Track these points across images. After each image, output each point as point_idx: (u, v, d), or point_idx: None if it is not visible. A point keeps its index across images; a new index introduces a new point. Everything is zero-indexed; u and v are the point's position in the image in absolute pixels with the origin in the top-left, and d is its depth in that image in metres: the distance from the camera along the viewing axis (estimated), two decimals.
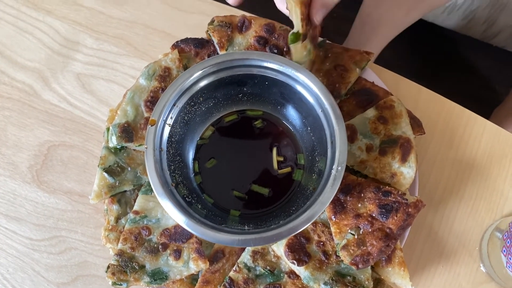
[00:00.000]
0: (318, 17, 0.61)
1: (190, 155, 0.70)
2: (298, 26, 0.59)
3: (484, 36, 1.48)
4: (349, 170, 0.68)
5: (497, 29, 1.41)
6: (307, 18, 0.60)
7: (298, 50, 0.63)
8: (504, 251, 0.64)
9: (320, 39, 0.76)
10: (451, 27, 1.51)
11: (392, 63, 1.33)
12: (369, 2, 1.26)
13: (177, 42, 0.73)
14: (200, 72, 0.63)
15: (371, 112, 0.70)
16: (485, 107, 1.44)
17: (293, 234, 0.59)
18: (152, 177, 0.59)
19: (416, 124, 0.70)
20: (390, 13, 1.22)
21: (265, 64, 0.64)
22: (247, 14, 0.75)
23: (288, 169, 0.70)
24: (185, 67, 0.73)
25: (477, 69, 1.59)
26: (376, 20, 1.25)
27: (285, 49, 0.73)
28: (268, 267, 0.65)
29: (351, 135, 0.69)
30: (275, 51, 0.73)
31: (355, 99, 0.73)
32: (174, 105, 0.63)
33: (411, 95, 0.77)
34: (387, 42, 1.31)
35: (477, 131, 0.75)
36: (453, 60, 1.61)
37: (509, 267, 0.63)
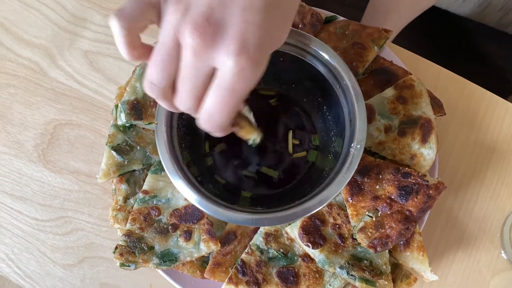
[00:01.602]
0: None
1: (202, 134, 0.67)
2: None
3: (499, 24, 1.44)
4: (366, 151, 0.66)
5: None
6: None
7: None
8: None
9: (330, 14, 0.74)
10: (466, 15, 1.47)
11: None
12: None
13: None
14: None
15: (389, 92, 0.67)
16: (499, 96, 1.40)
17: (309, 215, 0.57)
18: (162, 154, 0.57)
19: (437, 105, 0.68)
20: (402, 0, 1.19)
21: None
22: None
23: (303, 153, 0.67)
24: None
25: (492, 58, 1.56)
26: (388, 7, 1.21)
27: (300, 25, 0.71)
28: (281, 250, 0.62)
29: (369, 116, 0.66)
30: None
31: (373, 78, 0.70)
32: None
33: (431, 75, 0.74)
34: (400, 29, 1.28)
35: (498, 114, 0.73)
36: (467, 49, 1.57)
37: None
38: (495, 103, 0.73)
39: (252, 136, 0.53)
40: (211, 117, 0.43)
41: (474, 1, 1.37)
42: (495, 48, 1.55)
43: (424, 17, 1.26)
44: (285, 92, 0.70)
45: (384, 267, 0.60)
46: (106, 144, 0.65)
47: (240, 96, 0.41)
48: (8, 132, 0.75)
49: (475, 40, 1.57)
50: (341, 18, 0.74)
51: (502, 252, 0.67)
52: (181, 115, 0.62)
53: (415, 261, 0.61)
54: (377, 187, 0.61)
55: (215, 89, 0.41)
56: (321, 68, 0.61)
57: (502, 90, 1.45)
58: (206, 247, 0.62)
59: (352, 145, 0.57)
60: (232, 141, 0.68)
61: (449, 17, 1.52)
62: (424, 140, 0.64)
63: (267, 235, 0.63)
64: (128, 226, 0.63)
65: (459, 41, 1.57)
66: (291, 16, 0.45)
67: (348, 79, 0.58)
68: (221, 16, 0.38)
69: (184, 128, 0.62)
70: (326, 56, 0.59)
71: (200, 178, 0.60)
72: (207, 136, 0.68)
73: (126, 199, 0.66)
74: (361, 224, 0.60)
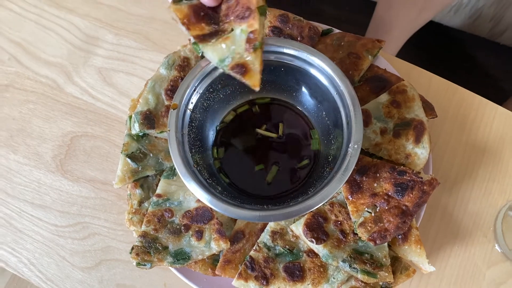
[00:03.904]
0: None
1: (210, 140, 0.72)
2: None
3: (491, 34, 1.50)
4: (364, 152, 0.70)
5: (503, 27, 1.43)
6: None
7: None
8: None
9: (326, 27, 0.79)
10: (458, 27, 1.53)
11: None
12: (381, 5, 1.29)
13: None
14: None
15: (384, 97, 0.72)
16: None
17: (312, 210, 0.61)
18: (175, 158, 0.61)
19: (428, 108, 0.72)
20: (402, 14, 1.25)
21: (282, 50, 0.66)
22: None
23: (306, 161, 0.72)
24: (203, 57, 0.75)
25: (484, 67, 1.61)
26: (389, 23, 1.27)
27: (298, 38, 0.76)
28: (287, 246, 0.67)
29: (366, 120, 0.71)
30: (289, 38, 0.75)
31: (368, 85, 0.75)
32: (194, 90, 0.66)
33: (422, 82, 0.79)
34: (402, 43, 1.34)
35: (488, 116, 0.77)
36: (460, 59, 1.62)
37: None
38: (484, 105, 0.78)
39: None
40: None
41: (465, 13, 1.43)
42: (487, 57, 1.60)
43: (419, 30, 1.32)
44: (286, 99, 0.75)
45: (384, 260, 0.64)
46: (121, 152, 0.70)
47: None
48: (28, 144, 0.80)
49: (468, 51, 1.62)
50: (337, 31, 0.79)
51: (496, 245, 0.71)
52: (191, 122, 0.67)
53: (413, 254, 0.65)
54: (375, 185, 0.66)
55: None
56: (319, 77, 0.66)
57: (496, 98, 1.50)
58: (217, 245, 0.66)
59: (350, 145, 0.61)
60: (237, 146, 0.74)
61: (442, 29, 1.58)
62: (417, 140, 0.68)
63: (274, 233, 0.67)
64: (143, 227, 0.67)
65: (453, 52, 1.63)
66: None
67: (344, 86, 0.63)
68: None
69: (193, 135, 0.67)
70: (323, 65, 0.64)
71: (210, 180, 0.64)
72: (215, 141, 0.73)
73: (140, 203, 0.70)
74: (361, 220, 0.64)
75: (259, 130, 0.73)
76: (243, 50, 0.53)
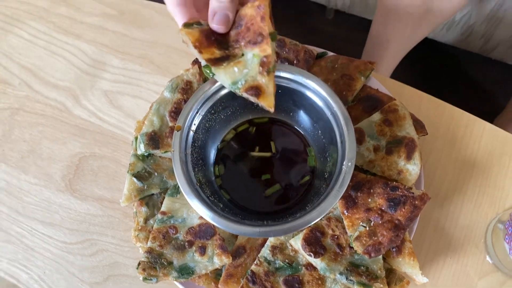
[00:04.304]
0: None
1: (211, 159, 0.76)
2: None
3: (483, 50, 1.55)
4: (359, 169, 0.74)
5: (495, 43, 1.47)
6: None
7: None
8: (507, 238, 0.68)
9: (320, 50, 0.83)
10: (451, 43, 1.58)
11: (392, 77, 1.40)
12: (377, 23, 1.34)
13: (197, 58, 0.80)
14: (219, 83, 0.70)
15: (376, 116, 0.76)
16: (486, 118, 1.51)
17: (309, 225, 0.65)
18: (179, 177, 0.65)
19: (419, 126, 0.76)
20: (397, 32, 1.29)
21: (279, 74, 0.70)
22: None
23: (307, 178, 0.75)
24: (205, 80, 0.79)
25: (477, 82, 1.66)
26: (385, 40, 1.32)
27: (295, 61, 0.80)
28: (286, 260, 0.70)
29: (360, 138, 0.75)
30: (286, 63, 0.80)
31: (361, 105, 0.79)
32: (197, 112, 0.70)
33: (413, 100, 0.83)
34: (399, 60, 1.38)
35: (477, 132, 0.81)
36: (453, 74, 1.67)
37: None
38: (473, 122, 0.81)
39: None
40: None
41: (457, 30, 1.48)
42: (480, 71, 1.65)
43: (414, 46, 1.36)
44: (284, 119, 0.79)
45: (379, 272, 0.68)
46: (128, 172, 0.74)
47: None
48: (38, 165, 0.83)
49: (462, 65, 1.67)
50: (331, 53, 0.83)
51: (487, 256, 0.74)
52: (193, 143, 0.70)
53: (406, 266, 0.68)
54: (369, 200, 0.69)
55: None
56: (314, 98, 0.70)
57: (490, 111, 1.54)
58: (219, 260, 0.69)
59: (344, 163, 0.65)
60: (238, 164, 0.77)
61: (436, 45, 1.63)
62: (409, 157, 0.72)
63: (274, 248, 0.71)
64: (149, 244, 0.70)
65: (446, 67, 1.67)
66: None
67: (337, 107, 0.67)
68: None
69: (196, 154, 0.71)
70: (318, 88, 0.68)
71: (212, 198, 0.68)
72: (216, 160, 0.77)
73: (146, 220, 0.74)
74: (357, 234, 0.67)
75: (253, 153, 0.76)
76: (257, 73, 0.58)
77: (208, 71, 0.60)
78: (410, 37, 1.31)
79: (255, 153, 0.77)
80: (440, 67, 1.68)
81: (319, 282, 0.68)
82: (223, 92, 0.71)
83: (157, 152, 0.75)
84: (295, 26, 1.75)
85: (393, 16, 1.24)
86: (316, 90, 0.69)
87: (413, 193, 0.68)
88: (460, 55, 1.66)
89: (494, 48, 1.51)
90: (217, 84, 0.70)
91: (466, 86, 1.65)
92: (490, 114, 1.51)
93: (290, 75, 0.70)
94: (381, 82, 0.82)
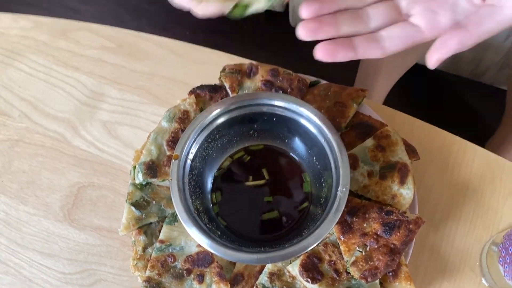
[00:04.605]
0: None
1: (208, 186, 0.77)
2: None
3: (473, 75, 1.58)
4: (353, 194, 0.75)
5: (484, 68, 1.51)
6: None
7: None
8: (501, 261, 0.69)
9: (313, 79, 0.86)
10: (441, 68, 1.62)
11: (385, 103, 1.43)
12: None
13: (193, 88, 0.82)
14: (216, 112, 0.72)
15: (369, 142, 0.78)
16: (478, 142, 1.53)
17: (306, 251, 0.66)
18: (177, 205, 0.66)
19: (411, 151, 0.78)
20: (387, 60, 1.33)
21: (273, 102, 0.73)
22: (254, 62, 0.85)
23: (305, 204, 0.76)
24: (201, 110, 0.81)
25: (468, 106, 1.69)
26: (377, 68, 1.35)
27: (288, 90, 0.83)
28: (284, 287, 0.70)
29: (354, 163, 0.76)
30: (281, 91, 0.82)
31: (354, 131, 0.81)
32: (194, 141, 0.72)
33: (405, 126, 0.85)
34: (391, 87, 1.42)
35: (468, 156, 0.83)
36: (444, 99, 1.71)
37: (506, 275, 0.68)
38: (464, 147, 0.83)
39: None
40: None
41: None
42: (471, 96, 1.69)
43: (406, 72, 1.40)
44: (279, 146, 0.81)
45: None
46: (126, 201, 0.75)
47: None
48: (37, 196, 0.84)
49: (452, 91, 1.71)
50: (324, 82, 0.86)
51: (483, 279, 0.75)
52: (191, 171, 0.72)
53: None
54: (365, 225, 0.70)
55: None
56: (308, 125, 0.72)
57: (483, 134, 1.57)
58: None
59: (339, 188, 0.66)
60: (235, 191, 0.79)
61: (426, 70, 1.66)
62: (402, 182, 0.73)
63: (271, 275, 0.71)
64: (147, 273, 0.71)
65: (437, 92, 1.71)
66: None
67: (331, 134, 0.69)
68: None
69: (193, 182, 0.72)
70: (311, 115, 0.71)
71: (209, 225, 0.69)
72: (213, 187, 0.78)
73: (144, 249, 0.74)
74: (353, 259, 0.68)
75: (248, 183, 0.78)
76: None
77: None
78: (400, 65, 1.35)
79: (250, 182, 0.78)
80: (431, 92, 1.72)
81: None
82: (219, 121, 0.73)
83: (155, 181, 0.76)
84: (290, 54, 1.79)
85: None
86: (309, 118, 0.71)
87: (407, 217, 0.69)
88: (451, 80, 1.70)
89: (483, 73, 1.55)
90: (213, 113, 0.72)
91: (457, 110, 1.69)
92: (482, 138, 1.54)
93: (284, 104, 0.72)
94: (373, 108, 0.84)
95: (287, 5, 1.81)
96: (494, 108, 1.63)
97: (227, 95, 0.83)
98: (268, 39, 1.95)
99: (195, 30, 1.95)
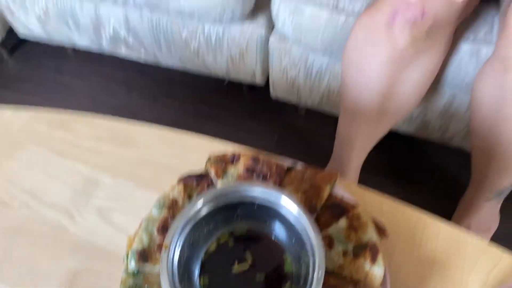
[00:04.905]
0: None
1: (196, 272, 0.83)
2: None
3: (442, 140, 1.70)
4: (330, 273, 0.82)
5: (451, 134, 1.63)
6: None
7: None
8: None
9: (290, 164, 0.95)
10: (411, 133, 1.74)
11: (361, 171, 1.53)
12: (342, 123, 1.49)
13: (181, 178, 0.90)
14: (201, 202, 0.80)
15: (343, 222, 0.86)
16: (451, 202, 1.62)
17: None
18: None
19: (381, 229, 0.86)
20: (361, 129, 1.44)
21: (253, 192, 0.81)
22: (237, 150, 0.94)
23: (288, 284, 0.82)
24: (189, 195, 0.89)
25: (440, 168, 1.81)
26: (352, 138, 1.46)
27: (268, 175, 0.91)
28: None
29: (330, 243, 0.83)
30: (261, 176, 0.90)
31: (328, 212, 0.89)
32: (181, 231, 0.79)
33: (375, 204, 0.94)
34: (366, 155, 1.52)
35: (433, 232, 0.91)
36: (416, 163, 1.83)
37: None
38: (429, 223, 0.92)
39: None
40: None
41: (416, 124, 1.64)
42: (442, 159, 1.81)
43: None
44: (261, 230, 0.88)
45: None
46: (120, 287, 0.80)
47: None
48: (35, 284, 0.89)
49: (423, 154, 1.83)
50: (300, 165, 0.95)
51: None
52: (180, 259, 0.78)
53: None
54: None
55: None
56: (285, 211, 0.80)
57: (455, 191, 1.67)
58: None
59: (315, 271, 0.73)
60: (222, 273, 0.85)
61: (396, 136, 1.79)
62: (373, 260, 0.81)
63: None
64: None
65: (408, 156, 1.83)
66: None
67: (307, 219, 0.76)
68: None
69: (182, 269, 0.78)
70: (288, 202, 0.79)
71: None
72: (201, 271, 0.84)
73: None
74: None
75: (233, 266, 0.84)
76: None
77: None
78: (373, 133, 1.46)
79: (236, 266, 0.84)
80: (403, 156, 1.84)
81: None
82: (204, 211, 0.81)
83: (147, 267, 0.82)
84: (271, 124, 1.91)
85: (355, 117, 1.39)
86: (287, 204, 0.80)
87: None
88: (422, 144, 1.82)
89: (451, 138, 1.66)
90: (199, 204, 0.80)
91: (428, 172, 1.80)
92: (453, 197, 1.64)
93: (263, 192, 0.81)
94: (345, 188, 0.93)
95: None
96: (465, 171, 1.74)
97: (212, 181, 0.91)
98: (250, 117, 2.07)
99: (184, 100, 2.06)
